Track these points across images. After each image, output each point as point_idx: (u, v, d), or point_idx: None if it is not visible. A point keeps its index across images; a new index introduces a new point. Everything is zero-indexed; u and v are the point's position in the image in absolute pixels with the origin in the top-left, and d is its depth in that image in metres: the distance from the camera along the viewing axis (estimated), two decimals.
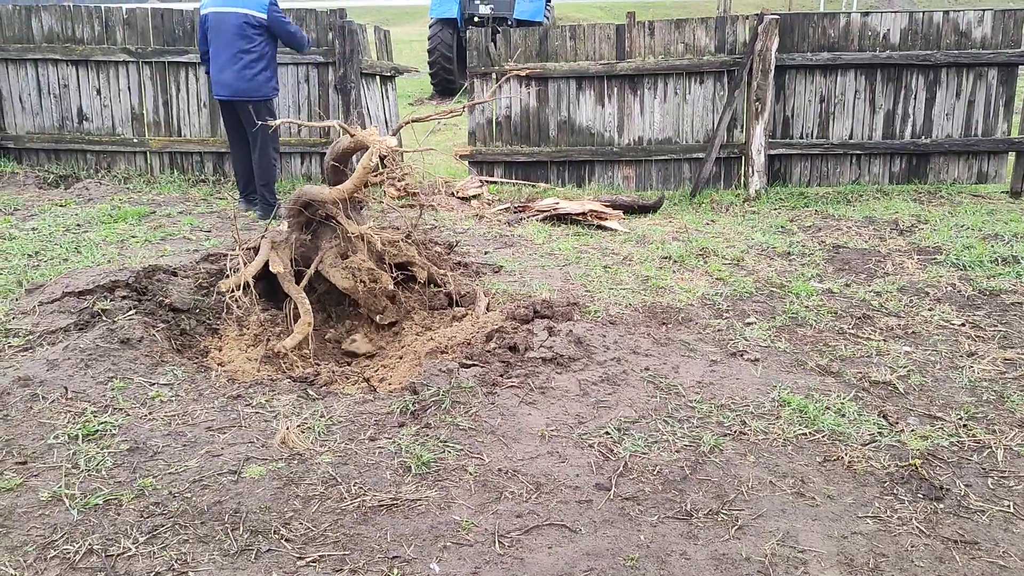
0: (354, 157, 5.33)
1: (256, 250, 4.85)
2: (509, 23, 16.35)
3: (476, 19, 16.98)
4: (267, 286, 4.92)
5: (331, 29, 8.13)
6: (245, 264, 4.67)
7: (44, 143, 8.57)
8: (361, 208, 5.22)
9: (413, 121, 4.89)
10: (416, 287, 5.13)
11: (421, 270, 5.13)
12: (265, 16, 6.74)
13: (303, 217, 4.95)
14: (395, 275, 4.90)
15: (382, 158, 4.51)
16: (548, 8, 18.25)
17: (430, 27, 17.07)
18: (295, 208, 4.93)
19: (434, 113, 4.95)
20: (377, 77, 8.93)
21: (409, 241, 5.23)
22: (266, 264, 4.73)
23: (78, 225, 6.62)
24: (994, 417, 3.66)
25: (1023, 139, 7.97)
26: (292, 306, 4.70)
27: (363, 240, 4.76)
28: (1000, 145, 8.12)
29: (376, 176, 4.52)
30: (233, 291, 4.50)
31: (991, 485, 3.14)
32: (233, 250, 4.87)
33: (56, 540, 2.72)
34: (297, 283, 4.73)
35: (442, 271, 5.23)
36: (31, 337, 4.26)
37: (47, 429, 3.40)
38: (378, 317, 4.90)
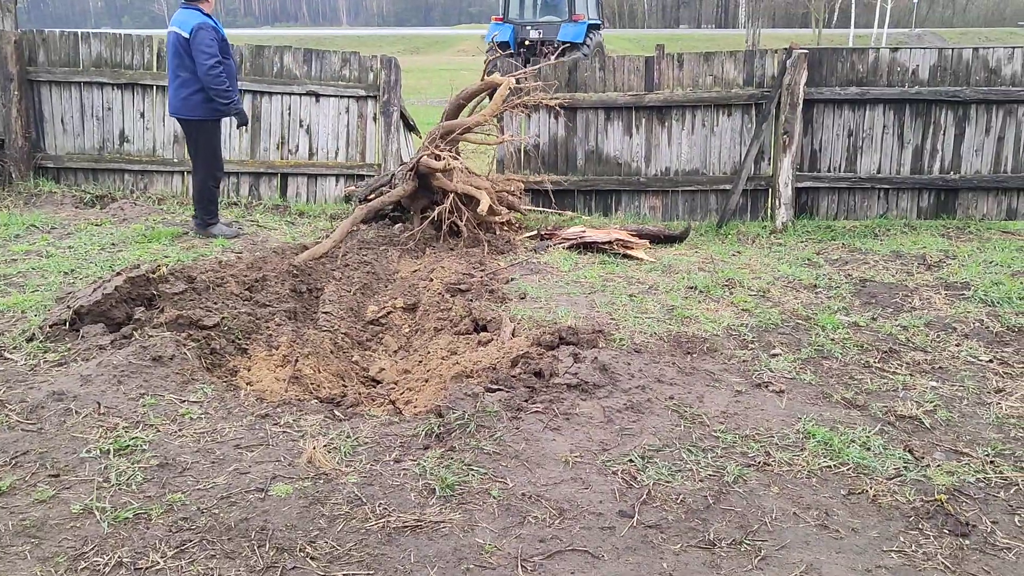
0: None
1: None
2: (555, 45, 18.95)
3: (527, 42, 19.09)
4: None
5: (371, 70, 8.69)
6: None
7: (83, 163, 8.79)
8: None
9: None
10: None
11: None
12: (188, 36, 6.81)
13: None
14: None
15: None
16: (594, 34, 20.07)
17: (487, 51, 19.28)
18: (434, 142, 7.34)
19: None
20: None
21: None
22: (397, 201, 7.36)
23: (113, 244, 6.76)
24: (1022, 454, 3.62)
25: None
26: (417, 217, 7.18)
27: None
28: None
29: (505, 103, 7.35)
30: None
31: (1018, 522, 3.11)
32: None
33: (86, 552, 2.77)
34: (424, 214, 7.40)
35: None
36: (66, 352, 4.36)
37: (79, 443, 3.47)
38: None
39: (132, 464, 3.32)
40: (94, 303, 4.67)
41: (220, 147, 7.32)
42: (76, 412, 3.70)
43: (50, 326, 4.61)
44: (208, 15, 6.98)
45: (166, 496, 3.10)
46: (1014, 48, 7.99)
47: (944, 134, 8.11)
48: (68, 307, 4.73)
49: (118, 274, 4.96)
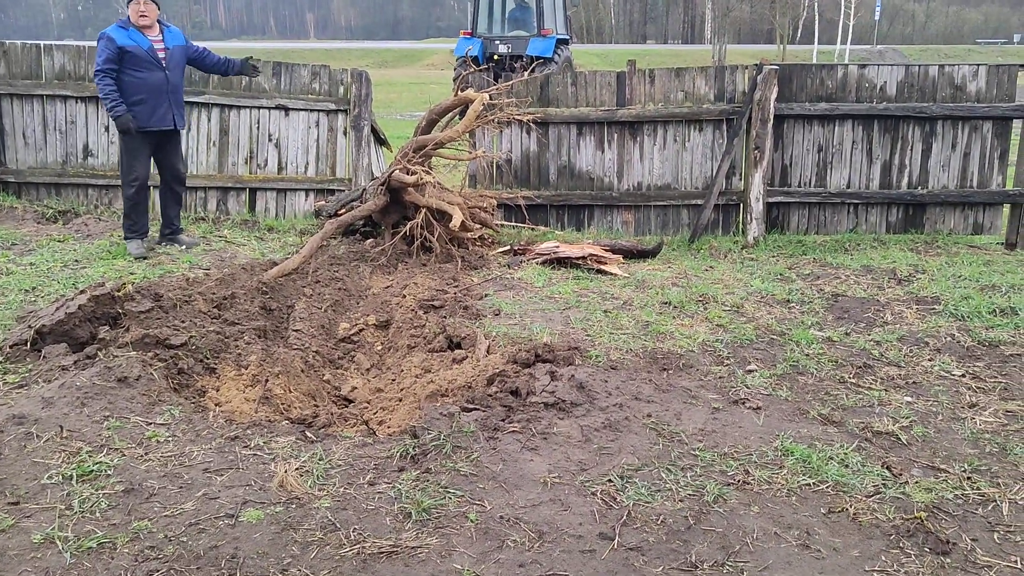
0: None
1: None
2: (524, 59, 19.01)
3: (496, 57, 19.44)
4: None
5: (342, 83, 8.64)
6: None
7: (45, 178, 8.59)
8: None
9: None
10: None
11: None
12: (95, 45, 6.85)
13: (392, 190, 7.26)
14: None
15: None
16: (562, 49, 20.34)
17: (455, 66, 19.73)
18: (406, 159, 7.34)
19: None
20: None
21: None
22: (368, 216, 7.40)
23: (76, 261, 6.60)
24: (998, 470, 3.63)
25: (1018, 191, 8.03)
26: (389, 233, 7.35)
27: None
28: (995, 197, 8.20)
29: (479, 119, 7.38)
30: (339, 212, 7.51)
31: (997, 540, 3.10)
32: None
33: None
34: (395, 229, 7.34)
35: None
36: (27, 374, 4.23)
37: (41, 469, 3.35)
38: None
39: (96, 490, 3.20)
40: (56, 322, 4.54)
41: (134, 157, 6.91)
42: (37, 436, 3.57)
43: (10, 346, 4.47)
44: (126, 26, 6.76)
45: (132, 523, 3.00)
46: (978, 65, 8.13)
47: (912, 149, 8.21)
48: (29, 326, 4.60)
49: (82, 292, 4.83)
